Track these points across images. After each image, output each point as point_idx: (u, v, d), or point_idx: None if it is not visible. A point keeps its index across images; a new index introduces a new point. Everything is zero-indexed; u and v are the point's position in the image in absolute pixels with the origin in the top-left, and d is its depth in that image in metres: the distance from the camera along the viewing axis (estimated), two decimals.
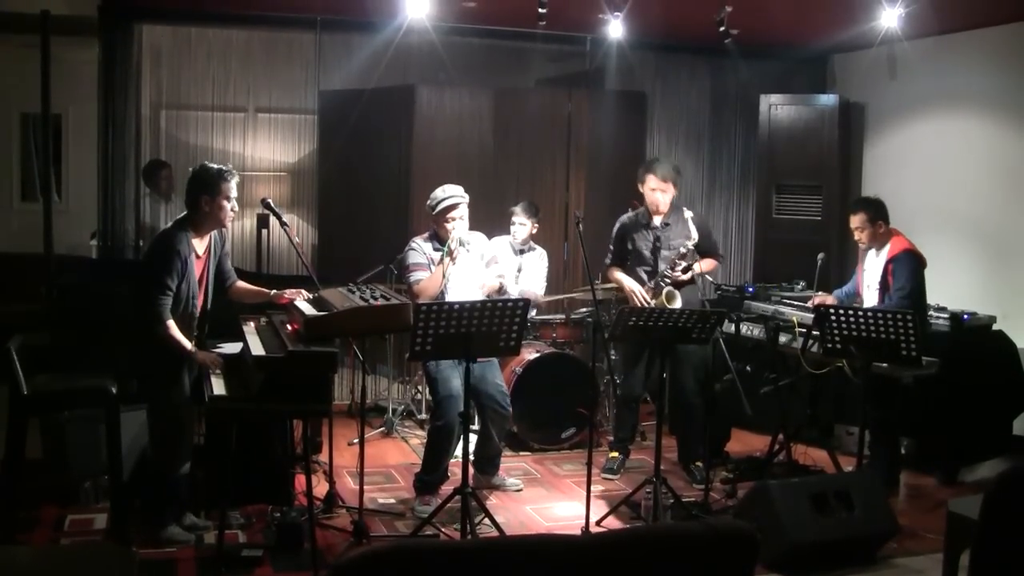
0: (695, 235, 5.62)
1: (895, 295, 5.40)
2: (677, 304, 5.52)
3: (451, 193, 5.16)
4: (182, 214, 4.61)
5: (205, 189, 4.50)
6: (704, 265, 5.79)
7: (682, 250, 5.62)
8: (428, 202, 5.21)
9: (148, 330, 4.38)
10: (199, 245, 4.56)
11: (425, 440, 5.36)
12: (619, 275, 5.78)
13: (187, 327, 4.47)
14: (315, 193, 7.93)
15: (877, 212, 5.58)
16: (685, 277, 5.65)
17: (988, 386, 5.92)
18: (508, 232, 6.42)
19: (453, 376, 5.03)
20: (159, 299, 4.35)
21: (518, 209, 6.43)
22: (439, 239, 5.16)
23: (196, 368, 4.56)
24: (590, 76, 7.86)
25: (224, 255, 4.77)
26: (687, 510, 5.03)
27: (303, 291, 4.74)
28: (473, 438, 5.22)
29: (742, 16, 6.30)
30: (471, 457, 4.99)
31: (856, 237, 5.66)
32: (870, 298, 5.63)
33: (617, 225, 5.88)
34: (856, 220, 5.61)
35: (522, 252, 6.49)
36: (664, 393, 5.13)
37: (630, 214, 5.87)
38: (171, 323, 4.37)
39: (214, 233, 4.66)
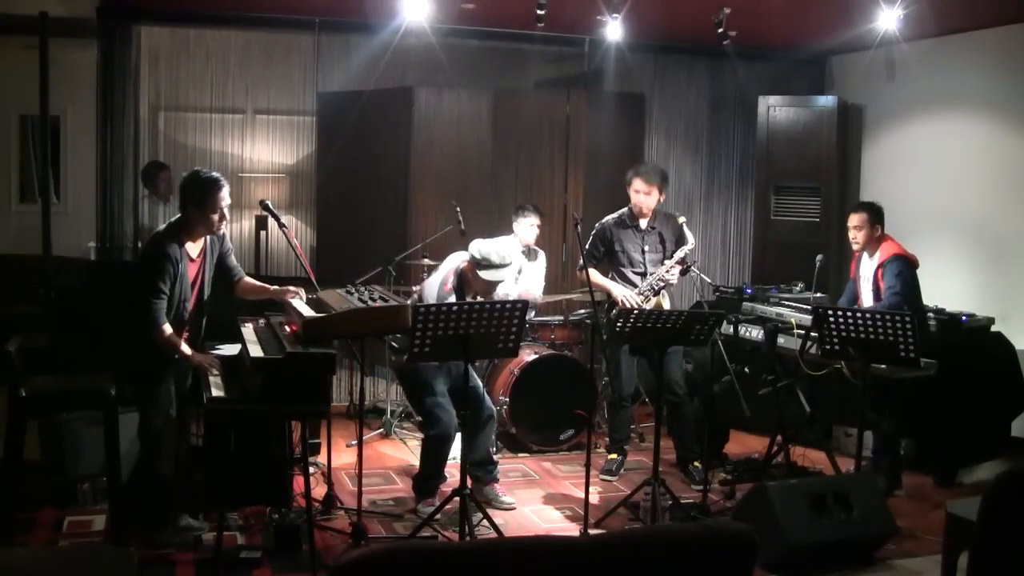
0: (692, 241, 5.67)
1: (886, 293, 5.45)
2: (666, 305, 5.66)
3: (503, 274, 4.94)
4: (177, 216, 4.61)
5: (191, 200, 4.49)
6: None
7: (679, 254, 5.64)
8: (479, 255, 4.92)
9: (141, 333, 4.38)
10: (193, 248, 4.55)
11: (423, 443, 5.32)
12: (603, 280, 5.71)
13: (177, 329, 4.46)
14: (313, 195, 7.93)
15: (877, 216, 5.66)
16: (674, 280, 5.67)
17: (986, 388, 5.92)
18: (508, 233, 6.41)
19: (435, 381, 5.01)
20: (153, 303, 4.35)
21: (530, 211, 6.42)
22: (464, 287, 5.01)
23: (191, 370, 4.56)
24: (588, 78, 7.87)
25: (226, 253, 4.76)
26: (686, 511, 5.03)
27: (302, 289, 4.73)
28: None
29: (740, 18, 6.31)
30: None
31: (851, 236, 5.69)
32: (866, 301, 5.66)
33: (599, 226, 5.82)
34: (856, 219, 5.66)
35: (529, 253, 6.51)
36: (659, 393, 5.15)
37: (614, 215, 5.82)
38: (167, 327, 4.38)
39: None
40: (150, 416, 4.51)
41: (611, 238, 5.75)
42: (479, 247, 4.92)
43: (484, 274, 4.87)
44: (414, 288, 5.41)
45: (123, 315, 4.55)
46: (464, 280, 5.02)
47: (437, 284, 5.06)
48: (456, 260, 5.11)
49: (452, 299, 4.97)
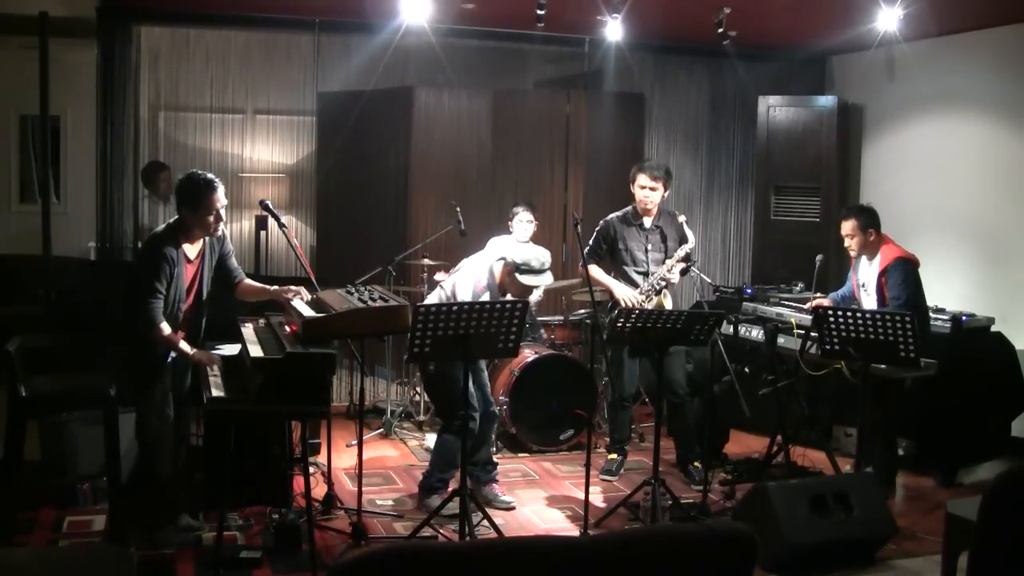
0: (692, 239, 5.67)
1: (891, 304, 5.37)
2: (669, 304, 5.63)
3: (541, 280, 4.92)
4: (175, 217, 4.61)
5: (186, 203, 4.48)
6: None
7: (680, 253, 5.64)
8: (520, 259, 4.87)
9: (136, 333, 4.39)
10: (190, 250, 4.55)
11: (436, 441, 5.23)
12: (605, 278, 5.71)
13: (172, 329, 4.47)
14: (313, 195, 7.93)
15: (869, 220, 5.52)
16: (675, 279, 5.66)
17: (987, 388, 5.92)
18: (505, 232, 6.41)
19: (459, 373, 5.00)
20: (150, 303, 4.35)
21: (523, 209, 6.39)
22: (498, 289, 4.97)
23: (189, 369, 4.56)
24: (588, 78, 7.87)
25: (226, 255, 4.76)
26: (686, 512, 5.03)
27: (303, 289, 4.73)
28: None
29: (740, 18, 6.31)
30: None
31: (846, 244, 5.60)
32: (869, 306, 5.61)
33: (603, 223, 5.79)
34: (847, 227, 5.55)
35: None
36: (660, 393, 5.15)
37: (618, 213, 5.80)
38: (164, 325, 4.38)
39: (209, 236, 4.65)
40: (145, 416, 4.51)
41: (615, 236, 5.73)
42: (518, 252, 4.92)
43: (524, 279, 4.87)
44: (441, 283, 5.35)
45: (120, 315, 4.55)
46: (499, 284, 4.99)
47: (471, 283, 5.00)
48: (487, 259, 5.08)
49: (486, 297, 4.94)
